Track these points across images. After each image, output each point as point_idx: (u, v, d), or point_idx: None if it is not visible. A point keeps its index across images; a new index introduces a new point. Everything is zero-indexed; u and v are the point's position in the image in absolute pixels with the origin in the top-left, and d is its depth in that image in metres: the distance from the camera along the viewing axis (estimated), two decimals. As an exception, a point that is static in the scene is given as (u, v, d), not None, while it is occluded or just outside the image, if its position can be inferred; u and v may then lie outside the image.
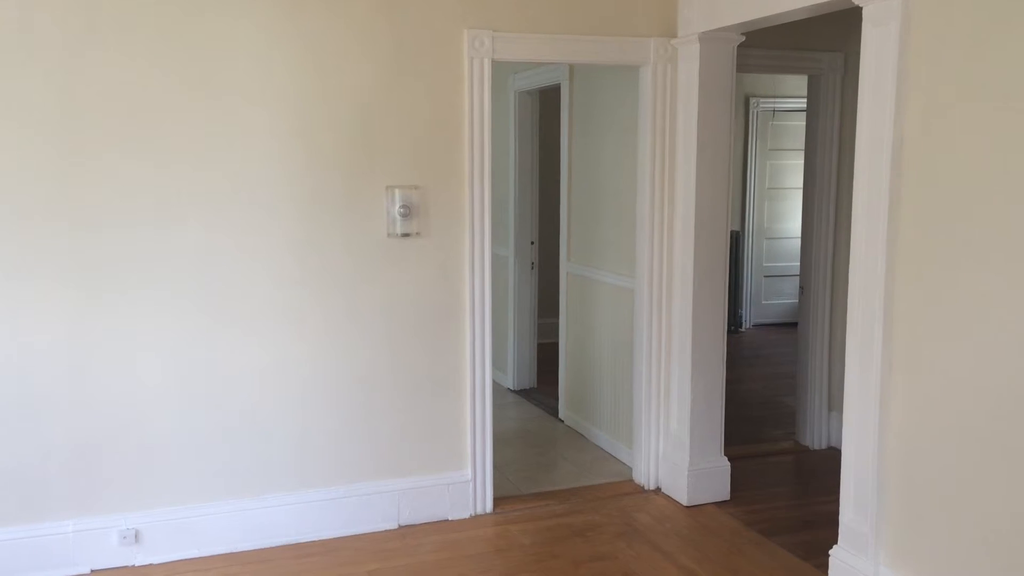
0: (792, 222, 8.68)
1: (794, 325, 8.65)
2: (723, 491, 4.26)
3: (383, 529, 3.88)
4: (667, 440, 4.34)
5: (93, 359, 3.41)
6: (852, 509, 3.21)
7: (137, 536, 3.52)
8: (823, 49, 4.76)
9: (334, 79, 3.61)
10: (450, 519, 4.00)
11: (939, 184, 2.79)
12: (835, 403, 5.07)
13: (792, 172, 8.62)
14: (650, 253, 4.23)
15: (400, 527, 3.91)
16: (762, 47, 4.46)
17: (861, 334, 3.14)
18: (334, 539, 3.79)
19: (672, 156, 4.17)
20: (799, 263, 5.17)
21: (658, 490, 4.37)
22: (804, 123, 8.38)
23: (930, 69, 2.80)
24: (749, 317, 8.79)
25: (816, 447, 5.10)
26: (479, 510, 4.06)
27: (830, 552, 3.30)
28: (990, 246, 2.64)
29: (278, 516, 3.73)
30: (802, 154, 8.50)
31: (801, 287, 5.12)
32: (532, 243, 6.09)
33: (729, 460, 4.29)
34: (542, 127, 6.10)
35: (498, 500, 4.14)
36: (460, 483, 4.01)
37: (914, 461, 2.95)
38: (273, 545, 3.71)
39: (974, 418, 2.72)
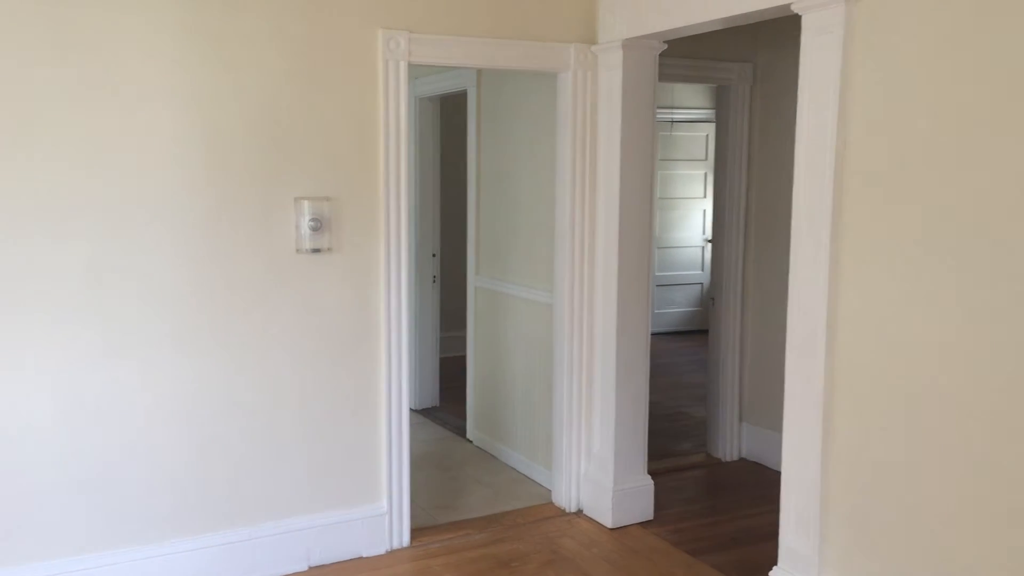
0: (683, 232, 8.76)
1: (686, 334, 8.81)
2: (647, 511, 4.13)
3: (292, 572, 3.55)
4: (589, 460, 4.18)
5: (-46, 396, 2.96)
6: (794, 530, 3.12)
7: (9, 598, 3.08)
8: (732, 59, 4.73)
9: (238, 80, 3.27)
10: (365, 556, 3.70)
11: (883, 190, 2.74)
12: (746, 414, 5.05)
13: (682, 182, 8.70)
14: (571, 264, 4.06)
15: (310, 568, 3.59)
16: (674, 56, 4.38)
17: (801, 347, 3.05)
18: (239, 586, 3.44)
19: (593, 165, 4.01)
20: (705, 273, 5.16)
21: (580, 512, 4.21)
22: (696, 134, 8.67)
23: (874, 76, 2.75)
24: (642, 327, 8.80)
25: (728, 459, 5.06)
26: (395, 544, 3.78)
27: (770, 574, 3.21)
28: (937, 253, 2.59)
29: (175, 565, 3.34)
30: (693, 164, 8.76)
31: (712, 298, 5.08)
32: (434, 255, 5.85)
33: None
34: (442, 136, 5.87)
35: (415, 532, 3.87)
36: (375, 516, 3.72)
37: (860, 479, 2.88)
38: (170, 597, 3.34)
39: (922, 434, 2.66)
